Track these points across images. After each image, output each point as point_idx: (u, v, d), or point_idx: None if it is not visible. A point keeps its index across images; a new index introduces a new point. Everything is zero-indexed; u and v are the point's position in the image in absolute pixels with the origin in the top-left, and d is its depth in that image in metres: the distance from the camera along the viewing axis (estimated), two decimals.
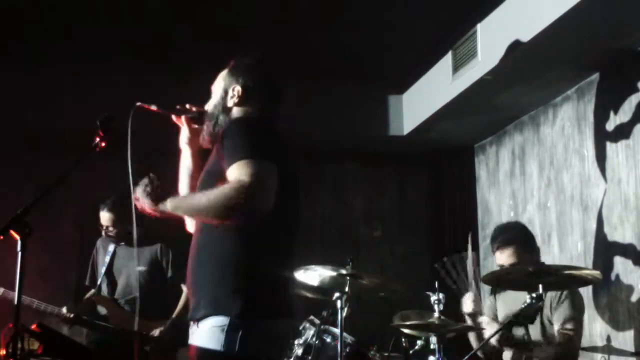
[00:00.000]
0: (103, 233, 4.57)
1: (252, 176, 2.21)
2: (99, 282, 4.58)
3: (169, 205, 2.41)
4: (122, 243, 4.57)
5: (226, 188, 2.23)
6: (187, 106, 2.69)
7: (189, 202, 2.42)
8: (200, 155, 2.71)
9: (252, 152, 2.27)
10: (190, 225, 2.68)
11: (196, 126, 2.68)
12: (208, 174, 2.47)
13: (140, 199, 2.44)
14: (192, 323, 2.43)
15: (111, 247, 4.60)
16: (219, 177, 2.32)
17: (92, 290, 4.57)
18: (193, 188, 2.64)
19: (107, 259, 4.58)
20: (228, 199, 2.21)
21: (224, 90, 2.61)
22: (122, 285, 4.53)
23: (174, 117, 2.70)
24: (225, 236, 2.35)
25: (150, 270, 4.48)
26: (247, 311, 2.30)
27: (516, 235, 3.91)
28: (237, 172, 2.24)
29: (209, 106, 2.64)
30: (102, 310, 4.49)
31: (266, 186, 2.24)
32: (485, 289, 5.48)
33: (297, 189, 2.52)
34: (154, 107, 2.63)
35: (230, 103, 2.59)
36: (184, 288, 4.43)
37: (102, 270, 4.58)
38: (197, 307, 2.38)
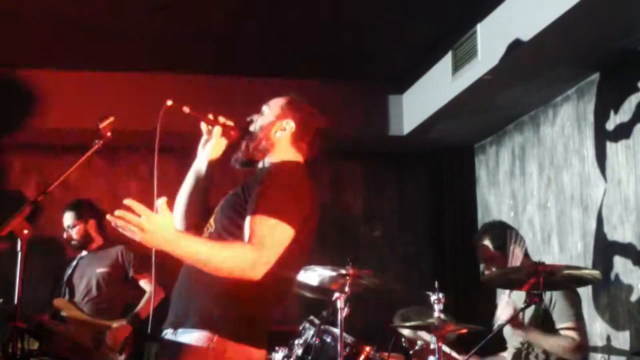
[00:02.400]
0: (65, 235, 4.70)
1: (265, 247, 2.23)
2: (60, 290, 4.69)
3: (175, 242, 2.20)
4: (85, 252, 4.70)
5: (236, 256, 2.22)
6: (222, 118, 2.58)
7: (199, 255, 2.23)
8: (214, 166, 2.64)
9: (279, 212, 2.28)
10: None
11: (224, 139, 2.60)
12: (233, 206, 2.44)
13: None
14: (168, 330, 2.38)
15: (74, 262, 4.76)
16: (242, 210, 2.35)
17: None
18: (195, 196, 2.60)
19: (70, 270, 4.72)
20: (233, 269, 2.23)
21: (276, 118, 2.57)
22: (81, 288, 4.66)
23: (204, 124, 2.60)
24: None
25: (111, 272, 4.64)
26: (237, 334, 2.28)
27: (486, 232, 3.95)
28: (254, 231, 2.25)
29: (256, 126, 2.59)
30: (63, 313, 4.56)
31: (275, 254, 2.25)
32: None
33: (315, 227, 2.49)
34: (186, 110, 2.49)
35: (277, 134, 2.56)
36: (147, 288, 4.57)
37: (64, 280, 4.74)
38: (185, 316, 2.33)
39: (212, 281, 2.31)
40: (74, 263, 4.75)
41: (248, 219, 2.30)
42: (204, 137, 2.63)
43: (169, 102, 2.46)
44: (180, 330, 2.32)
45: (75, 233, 4.70)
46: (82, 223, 4.70)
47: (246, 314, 2.32)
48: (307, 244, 2.46)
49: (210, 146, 2.60)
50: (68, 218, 4.72)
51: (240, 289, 2.30)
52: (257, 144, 2.56)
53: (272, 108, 2.62)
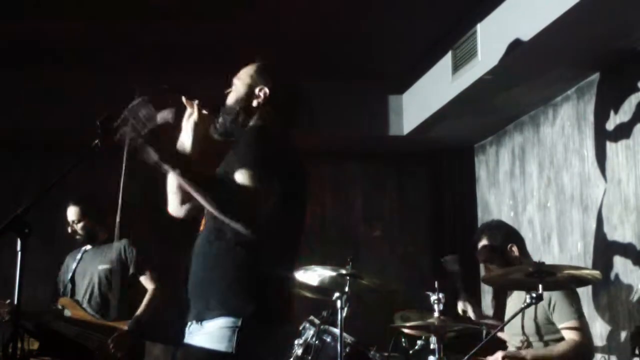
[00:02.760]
0: (69, 230, 4.60)
1: (253, 186, 2.26)
2: (63, 288, 4.64)
3: (178, 165, 2.33)
4: (89, 246, 4.64)
5: (235, 189, 2.28)
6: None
7: (203, 181, 2.34)
8: (201, 141, 2.64)
9: (258, 164, 2.31)
10: (175, 208, 2.66)
11: (205, 112, 2.61)
12: (224, 174, 2.45)
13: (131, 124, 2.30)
14: (192, 323, 2.42)
15: (78, 255, 4.67)
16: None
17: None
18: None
19: (74, 265, 4.64)
20: (231, 199, 2.27)
21: (249, 88, 2.57)
22: (84, 286, 4.57)
23: (184, 98, 2.63)
24: (238, 241, 2.35)
25: (113, 269, 4.52)
26: (259, 314, 2.32)
27: (485, 232, 3.96)
28: (242, 179, 2.28)
29: (230, 100, 2.60)
30: (68, 312, 4.53)
31: (262, 199, 2.27)
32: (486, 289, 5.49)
33: (306, 198, 2.53)
34: (164, 85, 2.53)
35: (254, 103, 2.56)
36: (149, 286, 4.51)
37: (68, 277, 4.64)
38: (205, 308, 2.37)
39: (227, 266, 2.37)
40: (79, 257, 4.68)
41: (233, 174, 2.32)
42: (188, 111, 2.65)
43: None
44: (204, 321, 2.36)
45: (80, 229, 4.62)
46: (86, 218, 4.62)
47: (264, 292, 2.35)
48: (298, 212, 2.49)
49: (193, 120, 2.62)
50: (72, 213, 4.60)
51: (256, 270, 2.35)
52: (234, 117, 2.56)
53: (243, 79, 2.60)
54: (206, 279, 2.42)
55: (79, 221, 4.59)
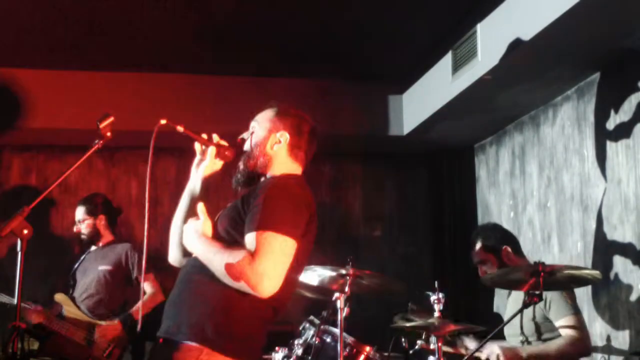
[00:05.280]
0: (75, 229, 4.76)
1: (261, 257, 2.22)
2: (68, 283, 4.71)
3: (187, 231, 2.41)
4: (93, 248, 4.74)
5: (241, 263, 2.22)
6: (215, 137, 2.57)
7: (206, 248, 2.34)
8: (209, 187, 2.60)
9: (278, 227, 2.27)
10: (176, 259, 2.61)
11: (219, 159, 2.56)
12: (233, 219, 2.41)
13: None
14: (160, 337, 2.37)
15: (82, 255, 4.83)
16: (240, 223, 2.34)
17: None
18: (190, 218, 2.54)
19: (76, 264, 4.80)
20: (238, 273, 2.22)
21: (269, 132, 2.55)
22: (82, 284, 4.67)
23: (197, 144, 2.57)
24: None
25: (113, 270, 4.66)
26: (229, 349, 2.27)
27: (479, 235, 3.99)
28: (252, 242, 2.25)
29: (249, 145, 2.56)
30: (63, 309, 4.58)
31: (273, 265, 2.23)
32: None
33: (314, 237, 2.48)
34: (180, 128, 2.47)
35: (275, 147, 2.54)
36: (148, 289, 4.60)
37: (70, 273, 4.78)
38: (177, 327, 2.32)
39: (209, 295, 2.31)
40: (82, 257, 4.81)
41: (248, 232, 2.28)
42: (198, 158, 2.60)
43: (163, 121, 2.43)
44: (170, 341, 2.32)
45: (84, 228, 4.77)
46: (91, 218, 4.76)
47: (240, 330, 2.31)
48: (303, 259, 2.44)
49: (204, 167, 2.57)
50: (79, 212, 4.80)
51: (237, 305, 2.29)
52: (254, 162, 2.53)
53: (262, 123, 2.58)
54: (186, 301, 2.36)
55: (83, 220, 4.74)
